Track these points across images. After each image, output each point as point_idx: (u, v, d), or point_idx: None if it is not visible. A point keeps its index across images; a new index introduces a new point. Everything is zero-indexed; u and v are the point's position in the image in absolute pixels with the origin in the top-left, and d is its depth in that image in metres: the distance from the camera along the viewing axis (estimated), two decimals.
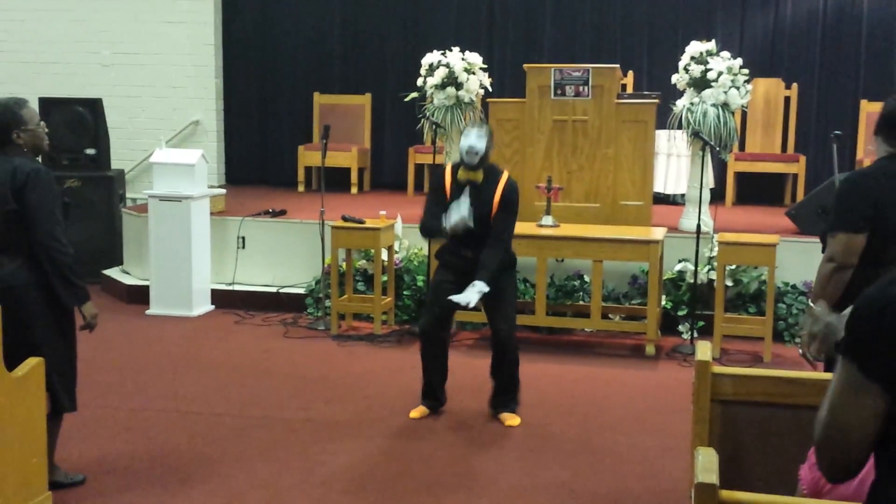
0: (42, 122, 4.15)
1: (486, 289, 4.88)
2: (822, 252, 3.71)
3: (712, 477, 2.05)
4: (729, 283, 6.66)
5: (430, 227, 5.13)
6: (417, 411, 5.18)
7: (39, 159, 4.20)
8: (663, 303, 6.77)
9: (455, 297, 4.90)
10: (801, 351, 3.36)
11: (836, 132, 6.57)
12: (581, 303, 6.89)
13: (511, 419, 5.08)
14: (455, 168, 5.08)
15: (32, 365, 3.74)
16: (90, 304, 4.09)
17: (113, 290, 8.05)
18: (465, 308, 4.98)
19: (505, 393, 5.15)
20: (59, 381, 4.05)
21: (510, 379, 5.14)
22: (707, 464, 2.12)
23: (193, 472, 4.42)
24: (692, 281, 6.69)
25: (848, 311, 1.96)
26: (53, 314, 4.01)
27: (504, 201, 4.99)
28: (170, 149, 8.12)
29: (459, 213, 4.92)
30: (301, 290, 7.54)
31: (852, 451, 1.76)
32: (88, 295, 4.09)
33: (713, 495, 2.06)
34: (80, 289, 4.02)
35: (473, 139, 4.93)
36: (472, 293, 4.87)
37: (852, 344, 1.79)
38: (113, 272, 8.30)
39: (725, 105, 7.05)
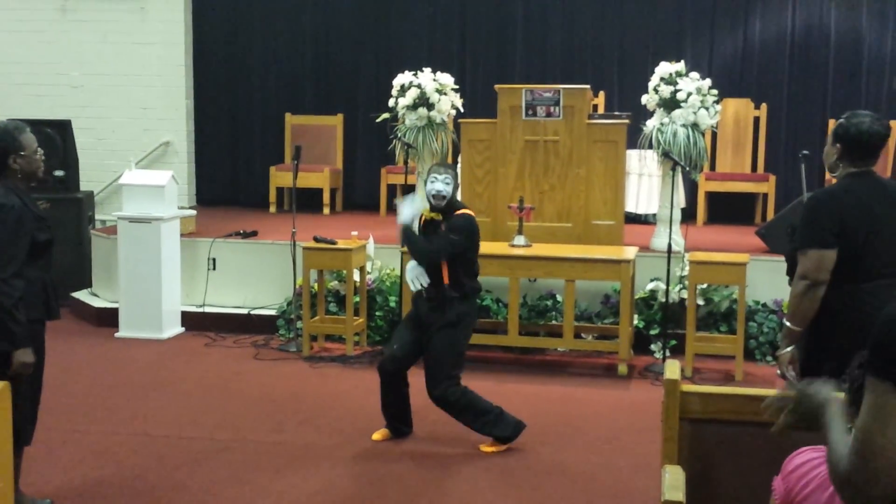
0: (40, 150, 4.09)
1: (406, 216, 4.91)
2: (787, 272, 3.74)
3: (678, 494, 2.05)
4: (700, 301, 6.69)
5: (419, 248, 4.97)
6: (379, 434, 5.14)
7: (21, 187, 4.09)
8: (635, 322, 6.79)
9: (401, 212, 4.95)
10: (779, 371, 3.39)
11: (805, 152, 6.64)
12: (554, 322, 6.90)
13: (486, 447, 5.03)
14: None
15: None
16: (25, 351, 3.80)
17: (82, 313, 7.97)
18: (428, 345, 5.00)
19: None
20: (23, 413, 3.95)
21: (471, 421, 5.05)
22: (674, 481, 2.12)
23: (162, 496, 4.37)
24: (664, 300, 6.71)
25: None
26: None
27: (451, 225, 4.95)
28: (140, 170, 8.08)
29: (413, 202, 4.94)
30: (272, 312, 7.50)
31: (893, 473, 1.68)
32: (26, 341, 3.80)
33: None
34: (16, 334, 3.76)
35: (440, 184, 4.93)
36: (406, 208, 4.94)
37: (883, 362, 1.73)
38: (82, 294, 8.22)
39: (695, 125, 7.10)
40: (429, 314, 4.98)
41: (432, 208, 5.02)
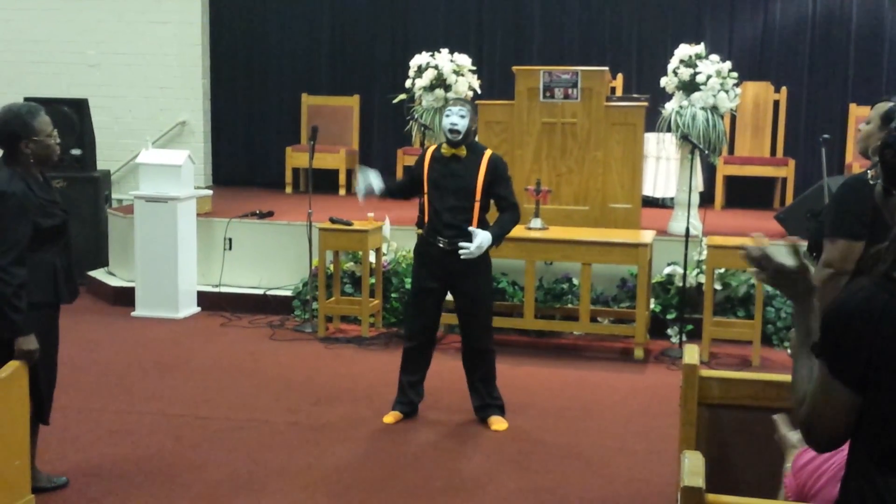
0: (55, 132, 4.02)
1: (488, 241, 4.80)
2: (807, 248, 3.68)
3: (698, 480, 2.03)
4: (718, 286, 6.65)
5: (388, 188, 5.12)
6: (391, 416, 5.12)
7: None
8: (652, 306, 6.75)
9: (462, 252, 4.79)
10: (790, 352, 3.35)
11: (825, 136, 6.57)
12: (570, 306, 6.87)
13: (499, 423, 5.06)
14: (438, 147, 5.05)
15: (15, 367, 3.71)
16: (28, 338, 3.76)
17: (98, 292, 8.00)
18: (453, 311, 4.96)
19: (488, 399, 5.12)
20: (40, 394, 3.97)
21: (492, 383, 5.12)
22: (693, 467, 2.10)
23: (178, 475, 4.38)
24: (681, 284, 6.67)
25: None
26: (37, 330, 3.88)
27: (493, 171, 4.91)
28: (156, 149, 8.09)
29: (365, 180, 4.95)
30: (288, 293, 7.50)
31: (832, 433, 2.01)
32: (26, 329, 3.76)
33: (699, 498, 2.05)
34: (15, 322, 3.73)
35: (455, 117, 4.89)
36: (475, 245, 4.77)
37: (825, 346, 1.95)
38: (98, 273, 8.25)
39: (714, 108, 7.04)
40: (453, 261, 4.85)
41: (449, 143, 4.94)
